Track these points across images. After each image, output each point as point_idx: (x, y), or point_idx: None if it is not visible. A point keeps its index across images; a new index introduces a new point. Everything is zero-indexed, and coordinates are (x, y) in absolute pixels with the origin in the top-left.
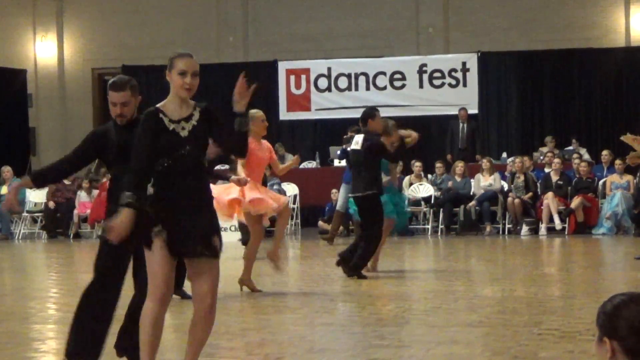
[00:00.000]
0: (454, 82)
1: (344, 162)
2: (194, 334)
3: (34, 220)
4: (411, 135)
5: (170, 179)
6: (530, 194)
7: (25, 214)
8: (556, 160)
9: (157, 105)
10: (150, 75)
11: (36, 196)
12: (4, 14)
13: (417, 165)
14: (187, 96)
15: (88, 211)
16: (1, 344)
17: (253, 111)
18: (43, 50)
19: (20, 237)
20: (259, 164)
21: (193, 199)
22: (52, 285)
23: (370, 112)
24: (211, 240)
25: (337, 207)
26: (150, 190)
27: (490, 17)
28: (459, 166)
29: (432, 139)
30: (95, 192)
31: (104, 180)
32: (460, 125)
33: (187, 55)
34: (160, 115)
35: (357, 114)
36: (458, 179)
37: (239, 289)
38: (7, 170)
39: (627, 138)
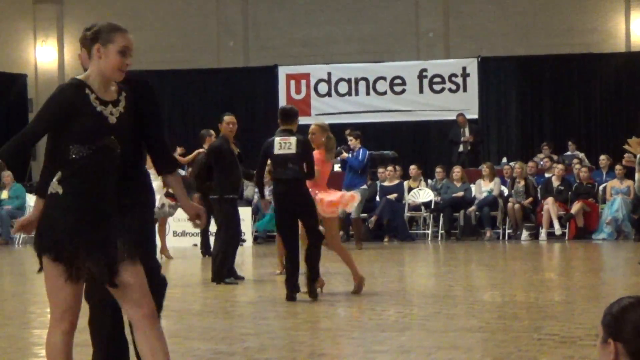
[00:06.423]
0: (454, 87)
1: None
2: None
3: None
4: None
5: (87, 175)
6: (530, 199)
7: None
8: (560, 166)
9: (79, 78)
10: (150, 79)
11: None
12: (4, 19)
13: (416, 170)
14: (121, 79)
15: None
16: (1, 349)
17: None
18: (43, 55)
19: (20, 242)
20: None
21: (111, 203)
22: None
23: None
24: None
25: (353, 215)
26: (57, 188)
27: (490, 22)
28: (456, 171)
29: (432, 144)
30: None
31: None
32: (461, 130)
33: (125, 29)
34: (87, 90)
35: (357, 119)
36: (457, 184)
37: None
38: (7, 175)
39: (633, 142)
